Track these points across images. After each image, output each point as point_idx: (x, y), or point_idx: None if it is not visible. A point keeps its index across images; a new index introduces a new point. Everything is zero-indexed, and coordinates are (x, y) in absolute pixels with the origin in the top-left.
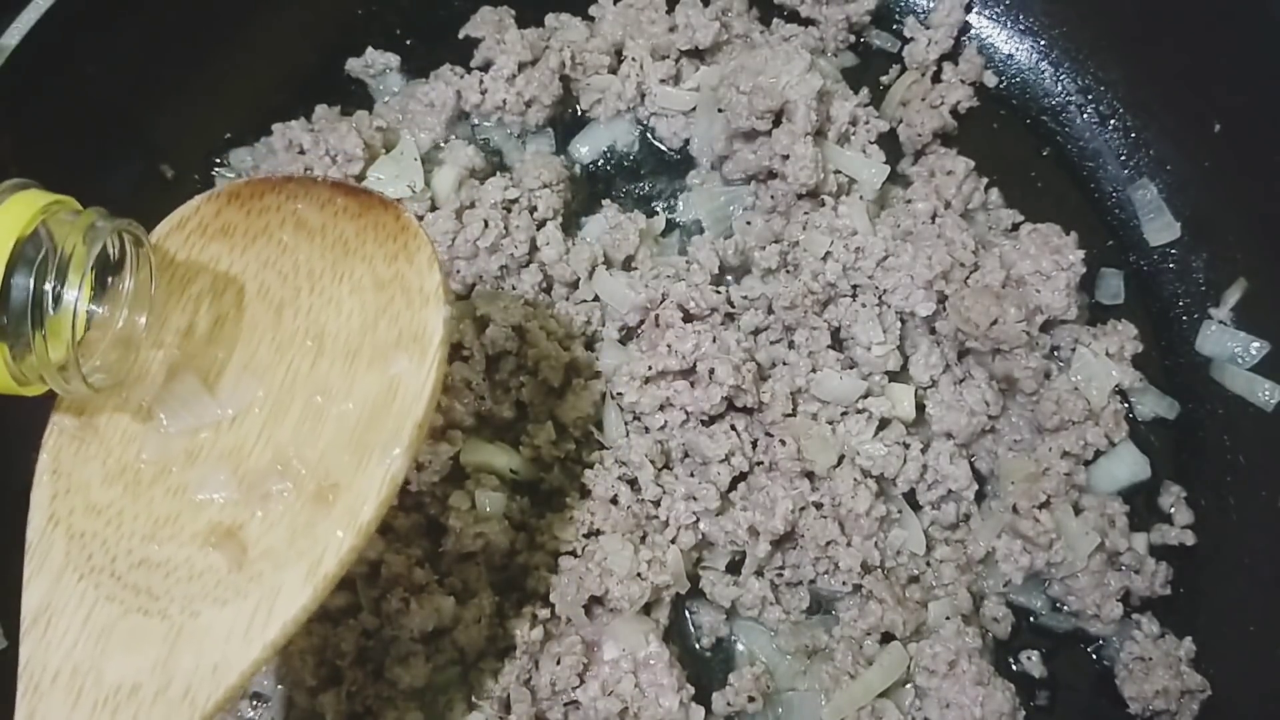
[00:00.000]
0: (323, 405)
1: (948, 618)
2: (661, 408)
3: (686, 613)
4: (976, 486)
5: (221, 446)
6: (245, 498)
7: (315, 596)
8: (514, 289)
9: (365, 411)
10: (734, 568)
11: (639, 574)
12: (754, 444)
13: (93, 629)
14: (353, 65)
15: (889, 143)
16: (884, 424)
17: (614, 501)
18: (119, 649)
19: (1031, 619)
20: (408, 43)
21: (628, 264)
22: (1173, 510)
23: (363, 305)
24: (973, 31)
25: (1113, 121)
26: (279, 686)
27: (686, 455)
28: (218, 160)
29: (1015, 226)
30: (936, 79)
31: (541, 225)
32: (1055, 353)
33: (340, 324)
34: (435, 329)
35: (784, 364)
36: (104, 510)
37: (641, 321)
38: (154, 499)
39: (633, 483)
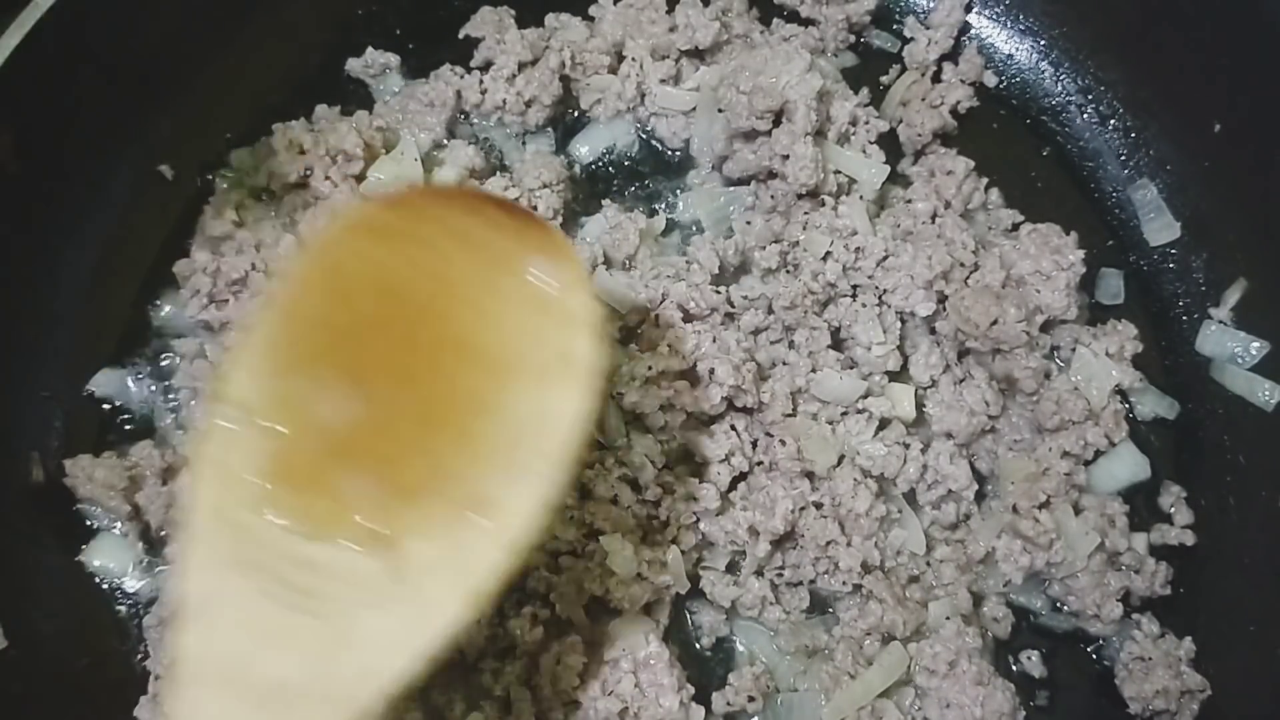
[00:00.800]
0: (474, 420)
1: (948, 618)
2: (662, 408)
3: (686, 613)
4: (976, 486)
5: (372, 450)
6: (398, 506)
7: (468, 611)
8: None
9: (517, 431)
10: (734, 568)
11: (639, 574)
12: (754, 444)
13: (251, 623)
14: (353, 65)
15: (889, 143)
16: (884, 424)
17: (614, 501)
18: (274, 645)
19: (1031, 619)
20: (408, 43)
21: (628, 264)
22: (1173, 510)
23: (517, 324)
24: (973, 31)
25: (1113, 121)
26: None
27: (687, 455)
28: (218, 160)
29: (1015, 226)
30: (936, 79)
31: None
32: (1055, 353)
33: (495, 340)
34: (587, 355)
35: (784, 364)
36: (259, 505)
37: (641, 321)
38: (305, 497)
39: (633, 483)
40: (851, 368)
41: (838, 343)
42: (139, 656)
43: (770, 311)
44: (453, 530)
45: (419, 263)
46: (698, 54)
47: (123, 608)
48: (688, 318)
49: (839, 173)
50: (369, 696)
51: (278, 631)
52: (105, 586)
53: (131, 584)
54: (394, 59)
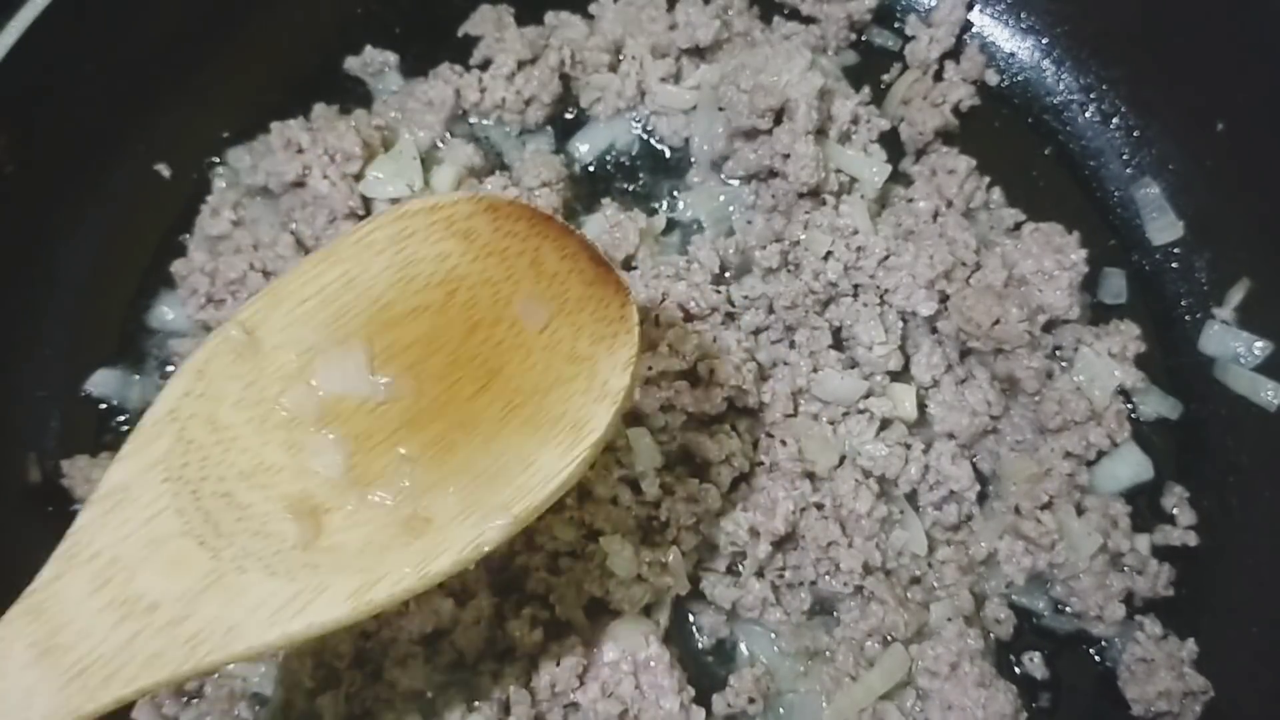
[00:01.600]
0: (460, 440)
1: (949, 619)
2: (662, 408)
3: (687, 614)
4: (978, 487)
5: (353, 427)
6: (346, 487)
7: (350, 615)
8: None
9: (493, 469)
10: (734, 569)
11: (639, 575)
12: (755, 444)
13: (150, 532)
14: (351, 64)
15: (890, 141)
16: (885, 424)
17: (614, 502)
18: (160, 563)
19: (1034, 620)
20: (407, 42)
21: (628, 263)
22: (1175, 511)
23: (548, 368)
24: (975, 29)
25: (1115, 120)
26: (278, 688)
27: (687, 456)
28: (216, 159)
29: (1017, 225)
30: (938, 77)
31: None
32: (1057, 352)
33: (519, 374)
34: (597, 427)
35: (785, 364)
36: (222, 430)
37: (641, 321)
38: (269, 444)
39: (633, 484)
40: (853, 368)
41: (839, 342)
42: None
43: (771, 311)
44: (379, 531)
45: (489, 276)
46: (698, 52)
47: None
48: (688, 318)
49: (840, 171)
50: (224, 655)
51: (172, 553)
52: None
53: None
54: (393, 57)
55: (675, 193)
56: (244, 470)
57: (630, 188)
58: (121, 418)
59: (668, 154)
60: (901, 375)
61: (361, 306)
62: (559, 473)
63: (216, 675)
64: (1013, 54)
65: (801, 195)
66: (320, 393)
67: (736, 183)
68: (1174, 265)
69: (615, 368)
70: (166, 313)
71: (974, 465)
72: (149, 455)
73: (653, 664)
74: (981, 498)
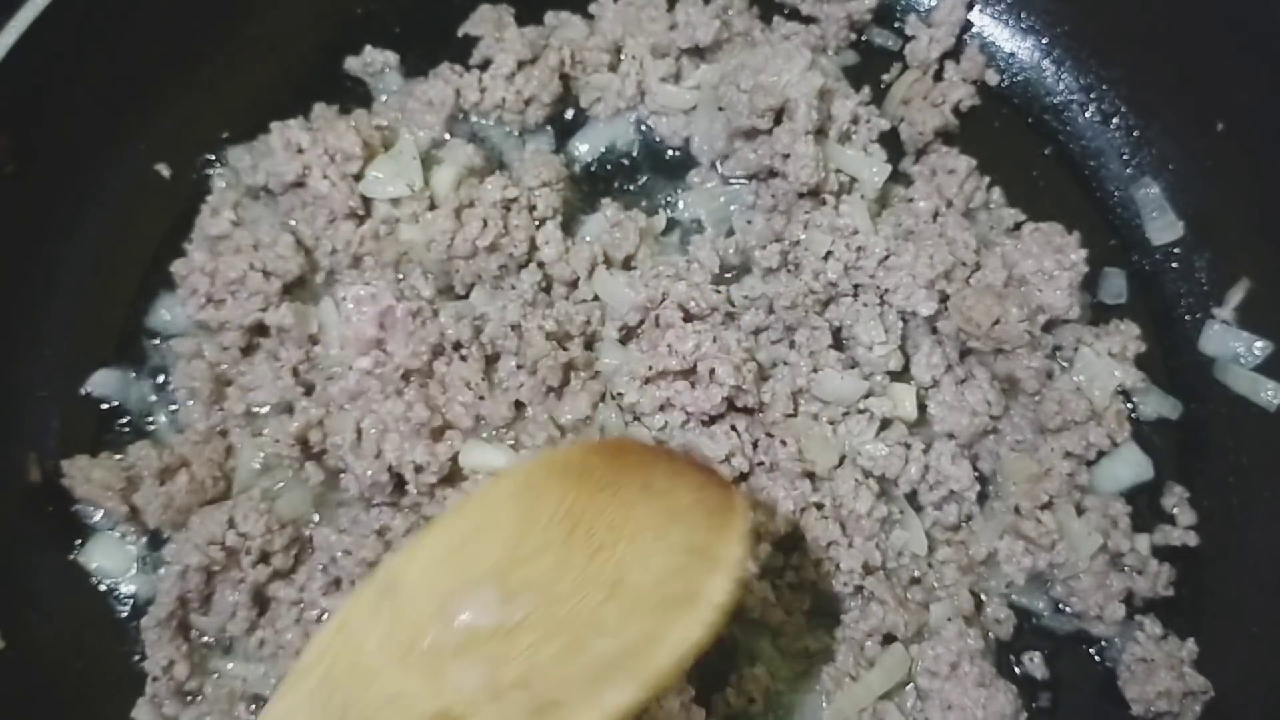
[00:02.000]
0: (590, 639)
1: (949, 619)
2: (662, 408)
3: None
4: (978, 487)
5: (489, 650)
6: (483, 697)
7: None
8: (513, 288)
9: (621, 651)
10: None
11: None
12: (755, 445)
13: None
14: (351, 64)
15: (890, 141)
16: (885, 424)
17: None
18: None
19: (1034, 620)
20: (407, 42)
21: (627, 263)
22: (1175, 511)
23: (668, 564)
24: (975, 29)
25: (1115, 120)
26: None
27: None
28: (215, 159)
29: (1017, 225)
30: (938, 77)
31: (541, 224)
32: (1057, 352)
33: (640, 576)
34: (718, 595)
35: (785, 364)
36: (364, 672)
37: (641, 321)
38: (409, 675)
39: None
40: (853, 368)
41: (839, 342)
42: (136, 657)
43: (771, 311)
44: None
45: (604, 508)
46: (698, 52)
47: (120, 609)
48: (688, 317)
49: (840, 171)
50: None
51: None
52: (102, 587)
53: (128, 585)
54: (393, 57)
55: (675, 192)
56: (387, 698)
57: (630, 188)
58: (121, 418)
59: (668, 154)
60: (901, 375)
61: (491, 551)
62: (684, 641)
63: (216, 675)
64: (1013, 54)
65: (801, 195)
66: (456, 626)
67: (737, 183)
68: (1174, 265)
69: (729, 545)
70: (166, 313)
71: (974, 465)
72: (299, 693)
73: None
74: (981, 498)
